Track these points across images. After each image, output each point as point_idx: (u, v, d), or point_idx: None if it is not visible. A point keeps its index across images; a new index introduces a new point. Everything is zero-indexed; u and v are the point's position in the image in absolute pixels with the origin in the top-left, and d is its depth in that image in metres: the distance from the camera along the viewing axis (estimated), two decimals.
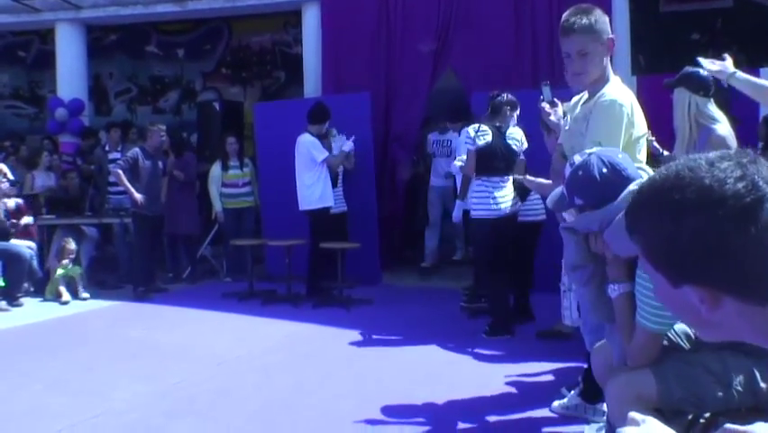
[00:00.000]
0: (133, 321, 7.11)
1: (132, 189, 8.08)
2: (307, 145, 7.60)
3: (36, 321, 7.11)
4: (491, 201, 5.69)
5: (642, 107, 3.10)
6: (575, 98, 3.28)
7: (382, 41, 9.56)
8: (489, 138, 5.76)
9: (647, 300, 2.32)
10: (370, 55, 9.55)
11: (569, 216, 2.93)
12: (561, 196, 2.57)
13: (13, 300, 7.79)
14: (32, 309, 7.65)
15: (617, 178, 2.38)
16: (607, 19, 3.04)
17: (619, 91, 3.00)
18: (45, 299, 7.96)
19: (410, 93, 9.30)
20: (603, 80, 3.04)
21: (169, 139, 8.94)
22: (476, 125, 5.89)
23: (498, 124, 5.88)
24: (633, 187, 2.35)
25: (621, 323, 2.47)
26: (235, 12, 11.18)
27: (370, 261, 8.45)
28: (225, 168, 9.21)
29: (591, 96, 3.08)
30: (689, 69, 4.11)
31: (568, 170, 2.49)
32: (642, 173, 2.46)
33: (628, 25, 8.89)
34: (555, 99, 3.84)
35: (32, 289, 8.18)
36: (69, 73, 11.53)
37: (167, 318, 7.17)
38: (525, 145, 6.06)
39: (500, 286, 5.83)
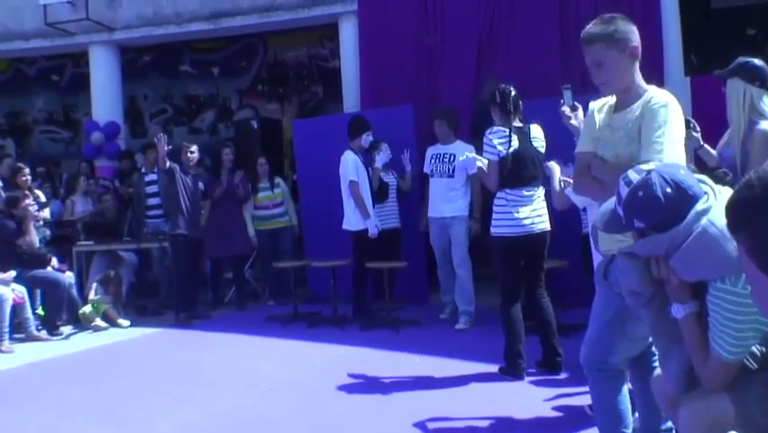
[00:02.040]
0: (176, 348, 7.19)
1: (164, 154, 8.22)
2: (344, 164, 7.65)
3: (77, 350, 7.23)
4: (513, 217, 5.27)
5: (696, 109, 3.13)
6: (595, 104, 3.29)
7: (423, 52, 9.60)
8: (515, 143, 5.31)
9: (724, 330, 2.25)
10: (410, 66, 9.60)
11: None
12: (613, 216, 2.49)
13: (53, 330, 7.95)
14: (73, 338, 7.80)
15: (683, 198, 2.31)
16: (632, 28, 3.06)
17: (666, 94, 3.04)
18: (86, 328, 8.06)
19: (454, 104, 9.29)
20: (636, 89, 3.08)
21: (205, 158, 9.07)
22: (495, 129, 5.39)
23: (519, 125, 5.45)
24: (700, 207, 2.30)
25: (692, 345, 2.39)
26: (270, 27, 11.32)
27: (418, 279, 8.45)
28: (255, 190, 9.31)
29: (624, 106, 3.10)
30: (743, 58, 4.07)
31: (623, 189, 2.43)
32: (705, 188, 2.39)
33: (679, 24, 8.81)
34: (576, 103, 3.85)
35: (71, 317, 8.30)
36: (104, 96, 11.79)
37: (210, 344, 7.24)
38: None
39: (517, 322, 5.37)
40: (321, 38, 12.77)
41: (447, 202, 7.39)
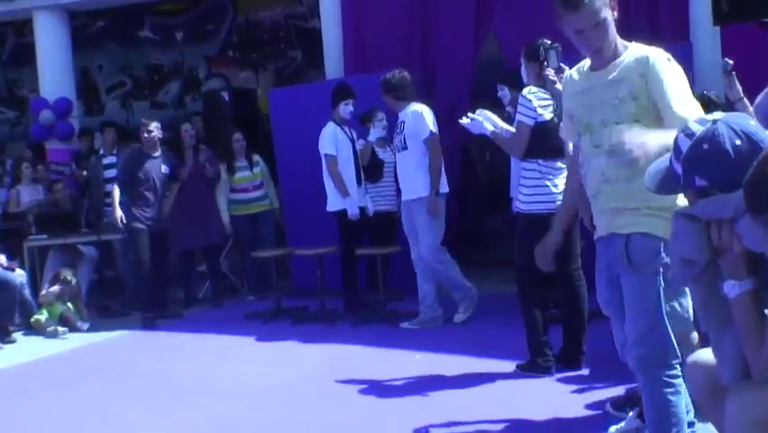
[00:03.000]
0: (144, 352, 7.18)
1: (116, 205, 8.36)
2: (321, 137, 7.64)
3: (33, 359, 7.21)
4: (549, 191, 5.22)
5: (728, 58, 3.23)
6: (571, 70, 3.43)
7: (415, 7, 9.53)
8: (552, 110, 5.18)
9: None
10: (400, 26, 9.53)
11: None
12: (669, 174, 2.45)
13: (4, 336, 7.91)
14: (27, 346, 7.76)
15: (755, 151, 2.24)
16: None
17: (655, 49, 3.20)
18: (41, 333, 8.03)
19: (453, 64, 9.26)
20: (616, 46, 3.20)
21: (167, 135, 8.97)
22: (534, 89, 5.23)
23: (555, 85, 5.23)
24: None
25: (744, 328, 2.34)
26: None
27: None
28: (231, 170, 9.25)
29: (604, 65, 3.22)
30: None
31: (683, 142, 2.39)
32: None
33: None
34: (563, 65, 3.83)
35: (24, 321, 8.28)
36: (52, 69, 11.66)
37: (183, 347, 7.24)
38: None
39: (538, 310, 5.38)
40: None
41: (405, 181, 7.18)
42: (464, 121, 5.45)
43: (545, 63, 3.81)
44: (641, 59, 3.12)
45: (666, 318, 3.15)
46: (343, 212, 7.55)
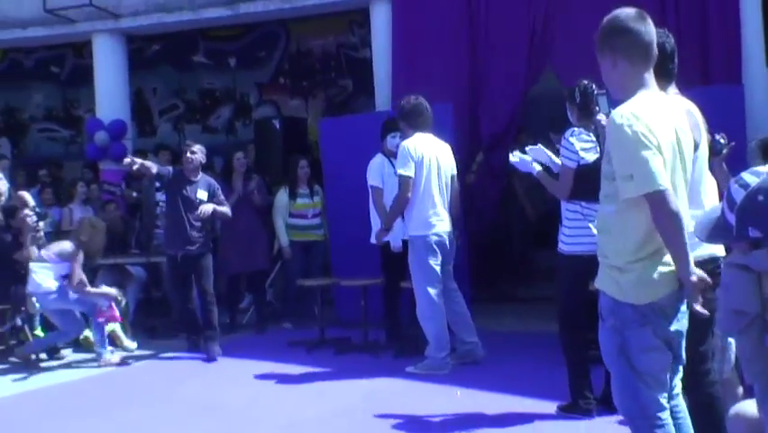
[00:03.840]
0: (189, 375, 7.26)
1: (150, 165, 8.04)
2: (368, 169, 7.71)
3: (80, 377, 7.36)
4: (590, 233, 5.06)
5: None
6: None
7: (464, 40, 9.58)
8: (596, 152, 5.18)
9: None
10: (450, 57, 9.58)
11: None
12: (718, 223, 2.48)
13: (53, 353, 8.07)
14: (75, 363, 7.91)
15: None
16: (649, 29, 3.15)
17: (631, 107, 3.06)
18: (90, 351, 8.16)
19: (501, 99, 9.28)
20: (631, 94, 3.16)
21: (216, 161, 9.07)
22: (577, 130, 5.28)
23: (594, 128, 5.29)
24: None
25: None
26: (294, 13, 11.40)
27: None
28: (293, 196, 9.36)
29: None
30: None
31: (737, 193, 2.41)
32: None
33: (760, 10, 8.69)
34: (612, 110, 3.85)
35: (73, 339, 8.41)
36: (109, 90, 11.94)
37: (226, 372, 7.32)
38: None
39: (580, 351, 5.36)
40: (350, 24, 12.85)
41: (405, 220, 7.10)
42: (513, 159, 5.50)
43: (596, 108, 3.85)
44: (610, 119, 3.12)
45: (635, 374, 3.10)
46: (387, 244, 7.59)
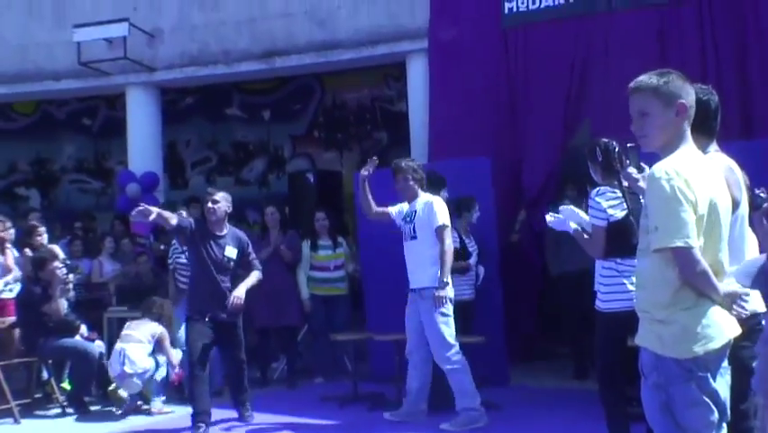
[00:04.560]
0: (217, 429, 7.32)
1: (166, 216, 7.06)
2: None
3: (108, 431, 7.46)
4: (626, 289, 5.19)
5: None
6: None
7: (502, 93, 9.75)
8: (624, 208, 5.27)
9: None
10: (488, 111, 9.74)
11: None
12: (762, 270, 2.56)
13: (80, 407, 8.19)
14: (102, 418, 8.00)
15: None
16: (687, 86, 3.25)
17: (672, 162, 3.13)
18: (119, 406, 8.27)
19: (540, 152, 9.41)
20: (672, 149, 3.23)
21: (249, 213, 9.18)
22: (603, 189, 5.38)
23: (623, 183, 5.26)
24: None
25: None
26: (329, 67, 11.66)
27: (496, 357, 8.49)
28: (315, 247, 9.52)
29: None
30: None
31: None
32: None
33: None
34: (643, 164, 3.94)
35: (101, 392, 8.52)
36: (141, 142, 12.24)
37: (258, 428, 7.37)
38: None
39: (621, 408, 5.40)
40: (385, 77, 13.08)
41: (416, 269, 7.23)
42: (549, 219, 5.62)
43: (626, 162, 3.95)
44: (649, 173, 3.18)
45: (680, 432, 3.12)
46: None
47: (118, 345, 7.98)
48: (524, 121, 9.66)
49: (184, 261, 8.26)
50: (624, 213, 5.23)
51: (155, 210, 6.86)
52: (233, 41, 11.74)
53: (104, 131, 14.75)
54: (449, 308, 7.04)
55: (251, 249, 7.54)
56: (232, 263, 7.24)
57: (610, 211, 5.29)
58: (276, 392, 8.97)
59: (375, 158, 7.40)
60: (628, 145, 4.06)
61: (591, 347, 8.14)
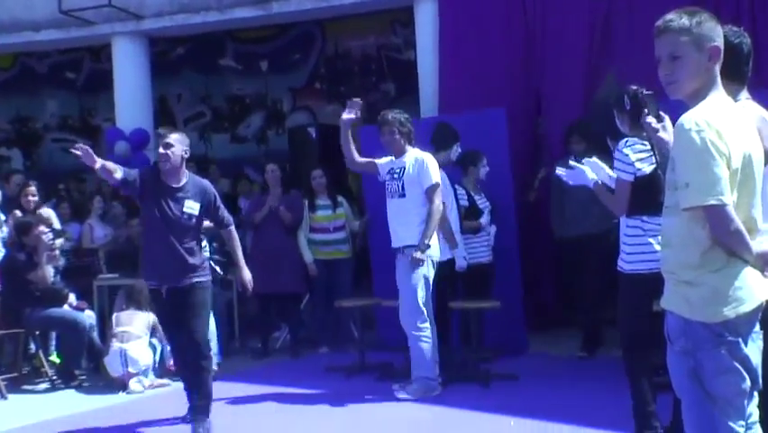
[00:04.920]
0: (219, 403, 7.37)
1: None
2: None
3: (100, 406, 7.54)
4: (653, 249, 5.18)
5: None
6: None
7: (518, 39, 9.70)
8: (653, 162, 5.21)
9: None
10: (502, 59, 9.70)
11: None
12: None
13: (70, 380, 8.30)
14: (93, 391, 8.10)
15: None
16: (717, 27, 3.18)
17: (702, 112, 3.08)
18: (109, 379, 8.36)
19: (560, 104, 9.39)
20: (701, 97, 3.17)
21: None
22: (631, 141, 5.35)
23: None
24: None
25: None
26: (331, 12, 11.60)
27: (514, 324, 8.57)
28: (312, 208, 9.56)
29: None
30: None
31: None
32: None
33: None
34: (662, 113, 3.91)
35: (91, 365, 8.64)
36: (130, 97, 12.25)
37: (259, 400, 7.44)
38: None
39: (645, 376, 5.41)
40: (392, 23, 13.03)
41: (399, 228, 7.34)
42: (560, 172, 5.59)
43: (645, 111, 3.92)
44: (678, 124, 3.10)
45: (709, 400, 3.12)
46: (447, 263, 7.71)
47: (116, 345, 8.02)
48: (542, 72, 9.62)
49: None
50: (652, 167, 5.18)
51: (99, 160, 6.09)
52: None
53: (89, 85, 14.78)
54: (429, 271, 7.16)
55: (219, 202, 6.52)
56: (193, 220, 6.28)
57: (638, 165, 5.26)
58: (278, 363, 9.07)
59: (358, 99, 7.39)
60: (645, 92, 4.04)
61: (599, 319, 8.28)
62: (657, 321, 5.12)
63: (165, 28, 12.22)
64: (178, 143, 6.24)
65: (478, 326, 7.66)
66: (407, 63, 12.25)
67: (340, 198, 9.68)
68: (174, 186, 6.26)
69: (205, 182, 6.59)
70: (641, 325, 5.37)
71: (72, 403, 7.68)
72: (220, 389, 7.80)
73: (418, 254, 7.06)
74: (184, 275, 6.21)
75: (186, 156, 6.32)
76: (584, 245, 8.26)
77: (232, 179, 12.05)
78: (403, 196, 7.27)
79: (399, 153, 7.39)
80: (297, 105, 13.89)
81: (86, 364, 8.62)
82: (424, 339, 7.13)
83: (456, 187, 8.09)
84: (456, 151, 8.04)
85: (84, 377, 8.48)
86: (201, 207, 6.34)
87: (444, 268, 7.71)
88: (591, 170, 5.39)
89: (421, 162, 7.22)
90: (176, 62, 14.30)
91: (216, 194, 6.57)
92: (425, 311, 7.16)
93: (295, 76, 13.90)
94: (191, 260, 6.25)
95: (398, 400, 7.05)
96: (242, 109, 14.23)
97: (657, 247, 5.21)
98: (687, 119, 3.06)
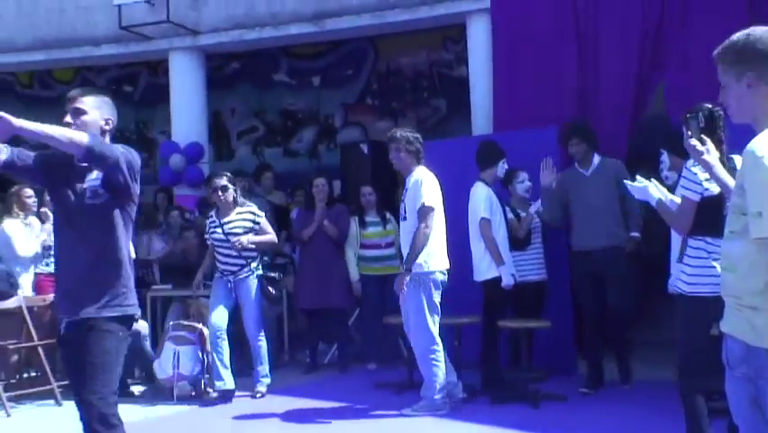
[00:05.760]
0: (265, 417, 7.39)
1: None
2: (474, 199, 7.77)
3: (151, 416, 7.57)
4: (715, 272, 4.98)
5: None
6: None
7: (571, 58, 9.61)
8: None
9: None
10: (556, 73, 9.61)
11: None
12: None
13: (122, 389, 8.30)
14: (146, 401, 8.13)
15: None
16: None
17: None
18: (161, 388, 8.39)
19: (612, 121, 9.28)
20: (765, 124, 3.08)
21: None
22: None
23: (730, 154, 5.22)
24: None
25: None
26: (384, 30, 11.61)
27: (564, 345, 8.47)
28: (363, 224, 9.54)
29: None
30: None
31: None
32: None
33: None
34: (704, 136, 3.81)
35: (143, 375, 8.68)
36: (185, 111, 12.35)
37: (306, 415, 7.42)
38: None
39: (701, 401, 5.26)
40: (444, 40, 13.00)
41: (405, 249, 7.30)
42: (629, 183, 5.49)
43: (689, 133, 3.85)
44: (749, 150, 2.97)
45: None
46: (493, 281, 7.65)
47: (170, 346, 8.08)
48: (594, 86, 9.52)
49: (219, 235, 8.21)
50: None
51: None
52: (281, 3, 11.76)
53: (145, 99, 14.93)
54: (433, 292, 7.15)
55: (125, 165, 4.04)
56: (99, 202, 4.10)
57: (706, 184, 5.06)
58: (327, 378, 9.06)
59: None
60: (687, 115, 3.95)
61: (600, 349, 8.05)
62: (715, 345, 5.02)
63: (221, 44, 12.32)
64: (95, 109, 4.22)
65: (528, 345, 7.56)
66: (459, 80, 12.23)
67: (389, 215, 9.65)
68: (81, 164, 4.15)
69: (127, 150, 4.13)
70: (698, 348, 5.25)
71: (124, 412, 7.65)
72: (269, 403, 7.86)
73: (402, 278, 7.08)
74: (83, 302, 4.09)
75: (109, 128, 4.25)
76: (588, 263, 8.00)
77: (286, 190, 12.06)
78: (405, 218, 7.30)
79: (406, 172, 7.38)
80: (348, 121, 13.91)
81: (139, 374, 8.66)
82: (434, 362, 7.12)
83: (505, 205, 8.01)
84: (502, 168, 7.97)
85: (136, 386, 8.51)
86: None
87: (490, 286, 7.66)
88: (657, 189, 5.29)
89: (416, 182, 7.19)
90: (230, 77, 14.39)
91: (131, 158, 4.06)
92: (435, 332, 7.15)
93: (347, 91, 13.91)
94: (97, 278, 4.10)
95: (449, 416, 7.00)
96: (294, 124, 14.27)
97: (719, 270, 5.10)
98: (758, 145, 2.95)
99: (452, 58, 13.08)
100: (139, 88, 15.14)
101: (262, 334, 8.15)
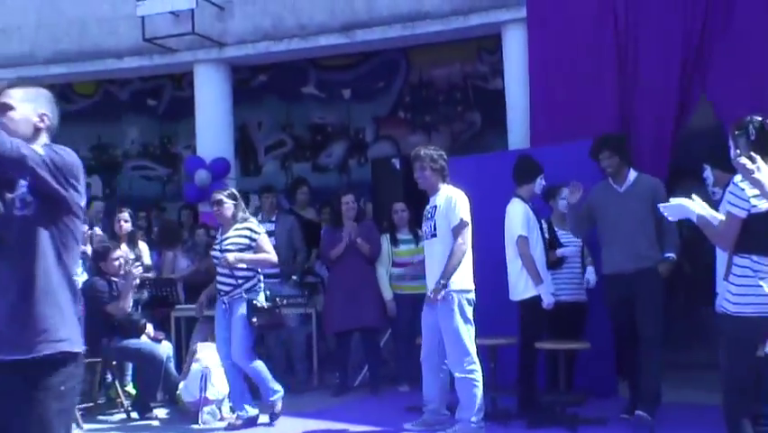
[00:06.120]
0: None
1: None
2: (511, 216, 7.81)
3: None
4: (762, 292, 5.06)
5: None
6: None
7: (610, 70, 9.62)
8: None
9: None
10: (593, 88, 9.64)
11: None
12: None
13: (145, 411, 8.42)
14: (169, 423, 8.22)
15: None
16: None
17: None
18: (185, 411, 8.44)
19: (653, 135, 9.29)
20: None
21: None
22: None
23: None
24: None
25: None
26: (416, 41, 11.67)
27: (603, 367, 8.47)
28: (395, 242, 9.59)
29: None
30: None
31: None
32: None
33: None
34: (753, 153, 3.81)
35: (167, 397, 8.75)
36: (211, 125, 12.44)
37: None
38: None
39: (747, 426, 5.23)
40: (478, 51, 13.03)
41: (433, 268, 7.34)
42: (662, 206, 5.50)
43: (736, 151, 3.86)
44: None
45: None
46: (532, 300, 7.69)
47: (197, 366, 8.16)
48: (633, 98, 9.52)
49: (216, 252, 8.23)
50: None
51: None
52: (309, 14, 11.84)
53: (170, 112, 14.98)
54: (466, 309, 7.17)
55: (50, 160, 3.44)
56: (28, 212, 3.49)
57: (754, 201, 5.02)
58: (357, 400, 9.10)
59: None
60: (736, 132, 3.97)
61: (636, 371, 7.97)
62: (760, 366, 5.05)
63: (247, 56, 12.40)
64: (25, 103, 3.62)
65: (567, 367, 7.56)
66: (494, 92, 12.24)
67: (421, 233, 9.65)
68: None
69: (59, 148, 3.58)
70: (743, 369, 5.26)
71: None
72: (297, 426, 7.90)
73: (434, 294, 7.12)
74: (19, 339, 3.41)
75: (44, 125, 3.66)
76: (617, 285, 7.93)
77: (315, 207, 12.12)
78: (435, 236, 7.31)
79: (432, 191, 7.46)
80: (380, 135, 13.90)
81: (162, 396, 8.75)
82: (474, 382, 7.10)
83: (542, 221, 8.04)
84: (540, 183, 8.01)
85: (160, 409, 8.58)
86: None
87: (528, 306, 7.69)
88: (696, 204, 5.30)
89: (450, 200, 7.25)
90: (257, 90, 14.43)
91: (58, 159, 3.45)
92: (472, 351, 7.16)
93: (378, 104, 13.92)
94: (34, 310, 3.45)
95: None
96: (323, 138, 14.26)
97: (766, 289, 5.11)
98: None
99: (486, 70, 13.09)
100: (163, 102, 15.19)
101: (253, 359, 7.96)
